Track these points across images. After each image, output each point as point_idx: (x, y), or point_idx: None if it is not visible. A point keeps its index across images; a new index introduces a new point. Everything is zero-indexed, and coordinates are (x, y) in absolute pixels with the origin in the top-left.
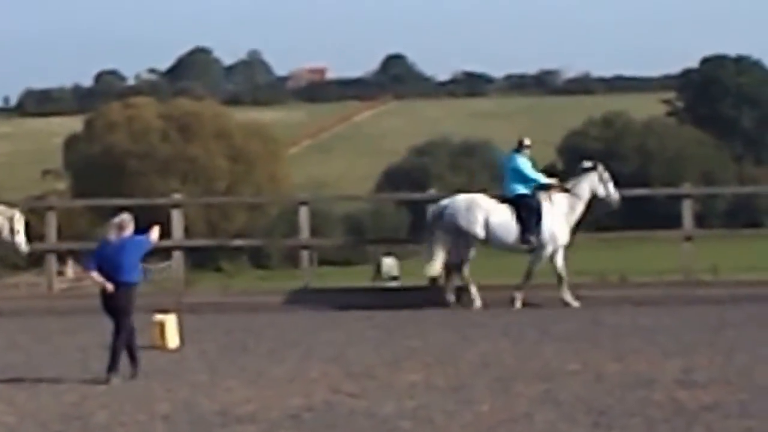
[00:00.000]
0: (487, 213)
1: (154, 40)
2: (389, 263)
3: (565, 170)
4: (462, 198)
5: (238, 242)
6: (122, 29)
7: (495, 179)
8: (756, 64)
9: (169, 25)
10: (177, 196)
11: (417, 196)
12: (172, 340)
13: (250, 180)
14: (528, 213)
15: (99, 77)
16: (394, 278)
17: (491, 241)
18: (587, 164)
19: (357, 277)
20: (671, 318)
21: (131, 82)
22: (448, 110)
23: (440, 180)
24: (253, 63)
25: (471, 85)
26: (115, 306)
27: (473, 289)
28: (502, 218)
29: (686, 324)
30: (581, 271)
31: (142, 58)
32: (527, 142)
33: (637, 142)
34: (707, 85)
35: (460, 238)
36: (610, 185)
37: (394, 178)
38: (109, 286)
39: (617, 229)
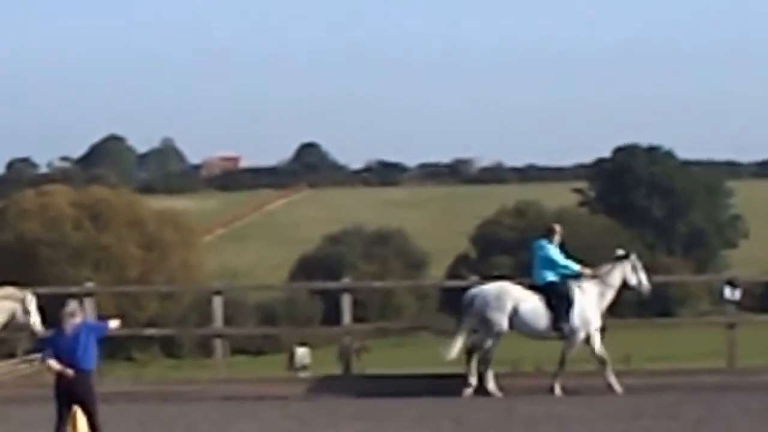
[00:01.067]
0: (517, 301)
1: (66, 127)
2: (302, 352)
3: (477, 260)
4: (493, 287)
5: (150, 331)
6: (34, 117)
7: (409, 267)
8: (667, 154)
9: (82, 112)
10: (89, 285)
11: (331, 285)
12: (83, 430)
13: (163, 268)
14: (559, 300)
15: (11, 165)
16: (304, 367)
17: (520, 327)
18: (620, 252)
19: (270, 367)
20: (586, 407)
21: (44, 170)
22: (361, 199)
23: (354, 269)
24: (167, 151)
25: (384, 173)
26: (75, 395)
27: (473, 379)
28: (533, 306)
29: (600, 413)
30: (495, 360)
31: (55, 145)
32: (558, 228)
33: None
34: (619, 175)
35: (483, 326)
36: (643, 274)
37: (307, 267)
38: (69, 372)
39: None
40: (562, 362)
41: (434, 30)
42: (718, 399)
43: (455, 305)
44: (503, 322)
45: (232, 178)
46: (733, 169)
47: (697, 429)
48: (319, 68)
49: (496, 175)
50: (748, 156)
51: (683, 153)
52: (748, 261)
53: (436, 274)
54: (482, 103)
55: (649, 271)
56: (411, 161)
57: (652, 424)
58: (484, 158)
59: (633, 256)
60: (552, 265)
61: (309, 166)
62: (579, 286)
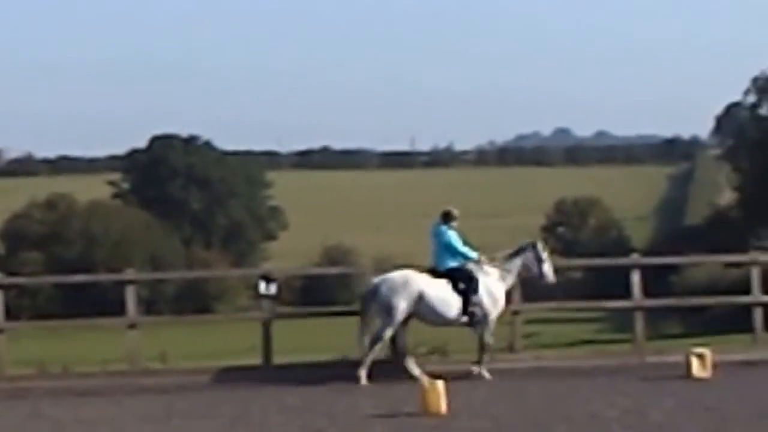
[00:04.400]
0: (423, 288)
1: None
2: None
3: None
4: (397, 275)
5: None
6: None
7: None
8: (206, 145)
9: None
10: None
11: None
12: None
13: None
14: (466, 284)
15: None
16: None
17: (427, 315)
18: (525, 242)
19: None
20: (116, 409)
21: None
22: None
23: None
24: None
25: None
26: None
27: (363, 371)
28: (440, 292)
29: (131, 415)
30: (21, 361)
31: None
32: (456, 213)
33: (81, 226)
34: (155, 166)
35: (386, 314)
36: (546, 265)
37: None
38: None
39: (59, 317)
40: (482, 347)
41: None
42: (255, 396)
43: None
44: (405, 309)
45: None
46: (272, 159)
47: (233, 427)
48: None
49: (25, 166)
50: (287, 146)
51: (223, 143)
52: (288, 253)
53: None
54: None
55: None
56: None
57: (185, 423)
58: (13, 149)
59: (539, 246)
60: (452, 250)
61: None
62: (481, 270)
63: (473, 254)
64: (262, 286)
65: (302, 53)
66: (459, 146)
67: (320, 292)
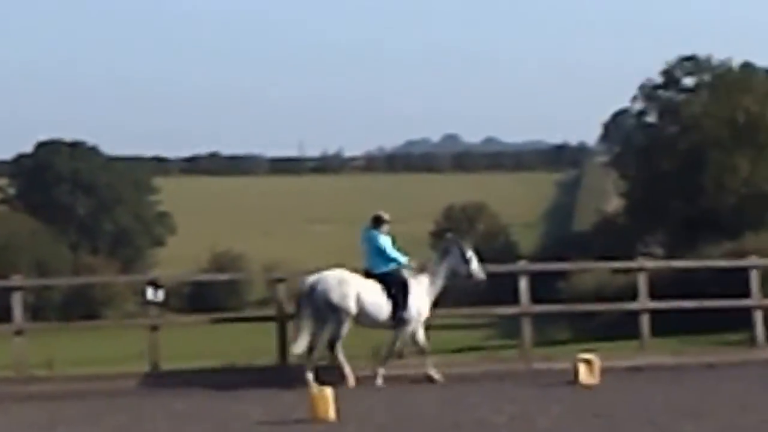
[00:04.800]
0: (359, 290)
1: None
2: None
3: None
4: (332, 274)
5: None
6: None
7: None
8: (92, 150)
9: None
10: None
11: None
12: None
13: None
14: (398, 290)
15: None
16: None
17: (362, 318)
18: (448, 242)
19: None
20: (2, 416)
21: None
22: None
23: None
24: None
25: None
26: None
27: (347, 368)
28: (374, 295)
29: (17, 422)
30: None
31: None
32: (387, 218)
33: None
34: (41, 171)
35: (332, 314)
36: (473, 265)
37: None
38: None
39: None
40: (390, 352)
41: None
42: (142, 403)
43: None
44: (351, 306)
45: None
46: (161, 165)
47: None
48: None
49: None
50: (175, 152)
51: (111, 149)
52: (176, 259)
53: None
54: None
55: (482, 260)
56: None
57: (72, 431)
58: None
59: (463, 246)
60: (384, 255)
61: None
62: (413, 276)
63: (404, 259)
64: (150, 293)
65: (190, 58)
66: (348, 152)
67: (209, 299)
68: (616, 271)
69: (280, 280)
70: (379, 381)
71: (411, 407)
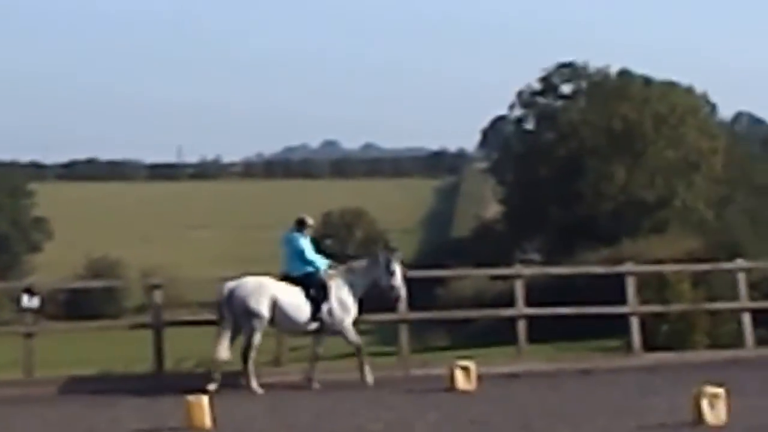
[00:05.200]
0: (277, 294)
1: None
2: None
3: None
4: (251, 279)
5: None
6: None
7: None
8: None
9: None
10: None
11: None
12: None
13: None
14: (317, 292)
15: None
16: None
17: (282, 322)
18: (378, 252)
19: None
20: None
21: None
22: None
23: None
24: None
25: None
26: None
27: (253, 379)
28: (293, 299)
29: None
30: None
31: None
32: (310, 222)
33: None
34: None
35: (247, 320)
36: (395, 278)
37: None
38: None
39: None
40: (316, 357)
41: None
42: (16, 411)
43: None
44: (266, 313)
45: None
46: (38, 170)
47: None
48: None
49: None
50: (52, 158)
51: None
52: (53, 265)
53: None
54: None
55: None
56: None
57: None
58: None
59: (389, 257)
60: (303, 258)
61: None
62: (332, 278)
63: (324, 262)
64: (25, 300)
65: (67, 61)
66: (226, 158)
67: (85, 306)
68: (494, 277)
69: (157, 287)
70: (316, 385)
71: (288, 415)
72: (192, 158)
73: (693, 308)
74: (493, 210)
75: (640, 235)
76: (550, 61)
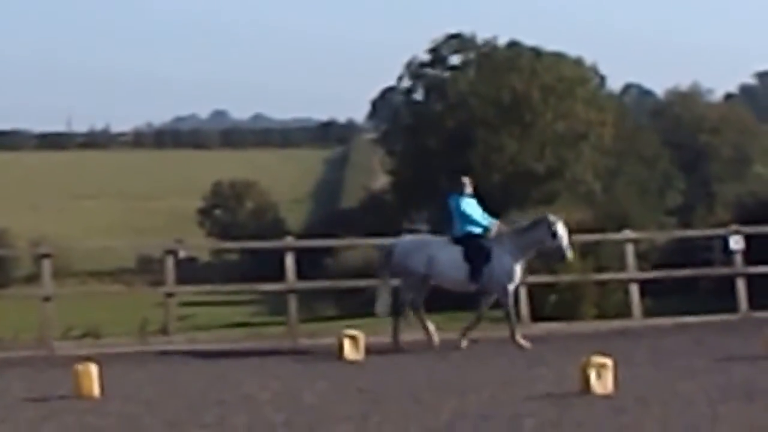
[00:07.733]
0: (435, 251)
1: None
2: None
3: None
4: (410, 238)
5: None
6: None
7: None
8: None
9: None
10: None
11: None
12: None
13: None
14: (476, 253)
15: None
16: None
17: (440, 278)
18: (540, 216)
19: None
20: None
21: None
22: None
23: None
24: None
25: None
26: None
27: (431, 327)
28: (450, 256)
29: None
30: None
31: None
32: (467, 181)
33: None
34: None
35: (410, 278)
36: (562, 240)
37: None
38: None
39: None
40: (478, 317)
41: None
42: None
43: None
44: (421, 269)
45: None
46: None
47: None
48: None
49: None
50: None
51: None
52: None
53: None
54: None
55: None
56: None
57: None
58: None
59: (552, 219)
60: (467, 218)
61: None
62: (496, 240)
63: (487, 222)
64: None
65: None
66: (116, 128)
67: None
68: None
69: (46, 256)
70: (464, 343)
71: (176, 383)
72: (81, 127)
73: (581, 279)
74: (381, 181)
75: (529, 207)
76: (439, 32)
